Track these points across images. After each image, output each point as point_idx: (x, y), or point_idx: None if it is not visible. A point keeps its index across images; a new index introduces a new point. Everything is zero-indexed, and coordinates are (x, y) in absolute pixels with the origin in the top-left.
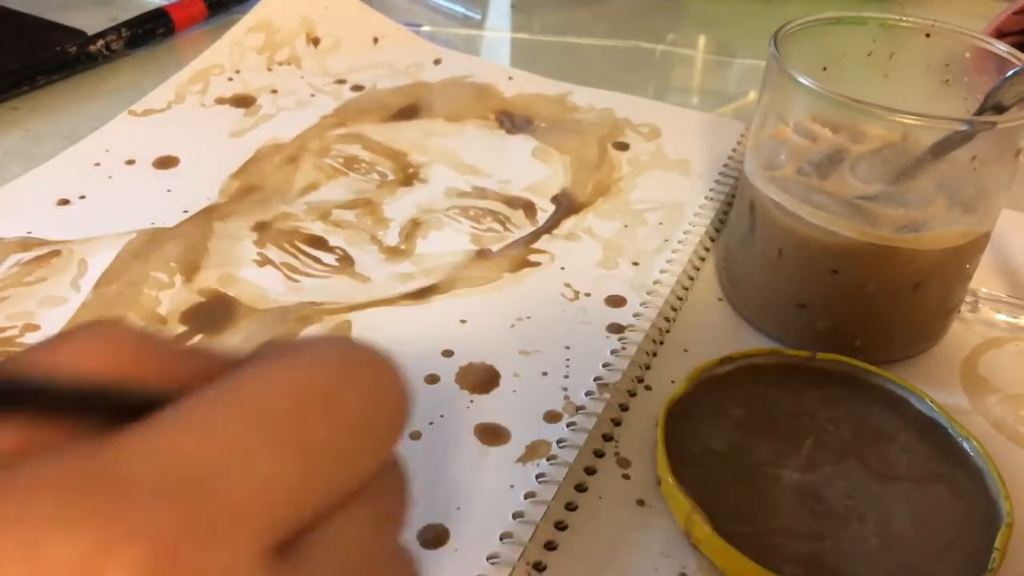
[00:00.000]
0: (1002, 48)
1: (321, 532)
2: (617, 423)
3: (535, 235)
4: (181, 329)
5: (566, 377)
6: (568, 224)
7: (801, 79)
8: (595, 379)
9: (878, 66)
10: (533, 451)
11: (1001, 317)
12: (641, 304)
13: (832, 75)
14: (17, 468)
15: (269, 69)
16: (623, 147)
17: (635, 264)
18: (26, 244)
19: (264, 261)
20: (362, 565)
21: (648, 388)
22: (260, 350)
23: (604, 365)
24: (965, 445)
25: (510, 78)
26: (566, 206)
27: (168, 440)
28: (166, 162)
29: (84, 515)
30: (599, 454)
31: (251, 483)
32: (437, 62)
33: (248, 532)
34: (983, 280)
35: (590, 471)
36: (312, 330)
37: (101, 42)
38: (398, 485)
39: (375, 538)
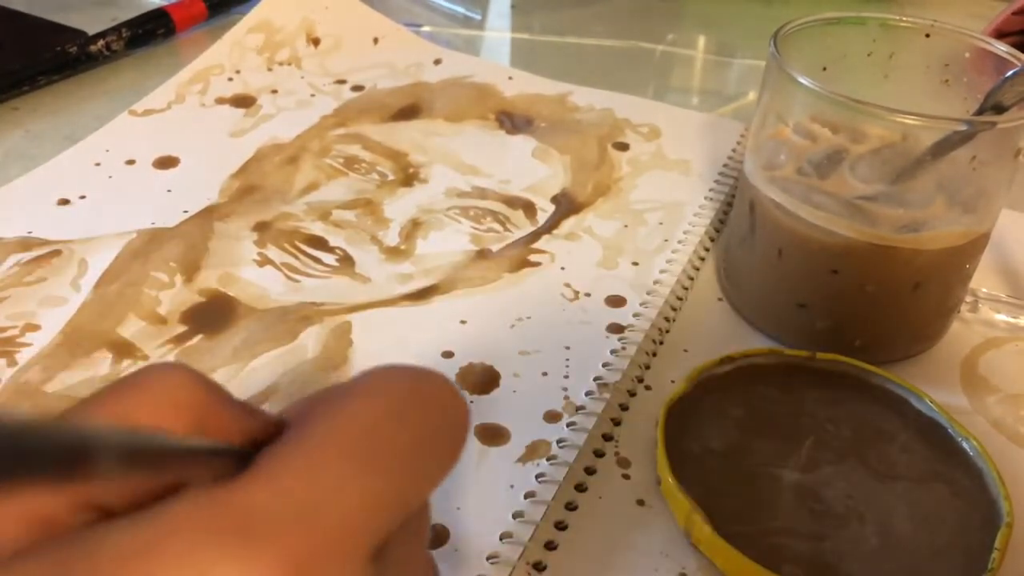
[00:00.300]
0: (1002, 48)
1: (397, 533)
2: (617, 423)
3: (535, 235)
4: (181, 329)
5: (566, 377)
6: (568, 224)
7: (801, 79)
8: (595, 379)
9: (878, 66)
10: (533, 451)
11: (1001, 317)
12: (641, 304)
13: (832, 75)
14: (171, 508)
15: (269, 69)
16: (623, 147)
17: (635, 264)
18: (26, 244)
19: (264, 261)
20: (419, 559)
21: (648, 388)
22: (326, 392)
23: (604, 365)
24: (965, 445)
25: (510, 78)
26: (566, 206)
27: (284, 480)
28: (166, 162)
29: (240, 549)
30: (599, 454)
31: (353, 505)
32: (437, 62)
33: (358, 545)
34: (983, 280)
35: (590, 471)
36: (312, 330)
37: (101, 42)
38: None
39: (422, 538)
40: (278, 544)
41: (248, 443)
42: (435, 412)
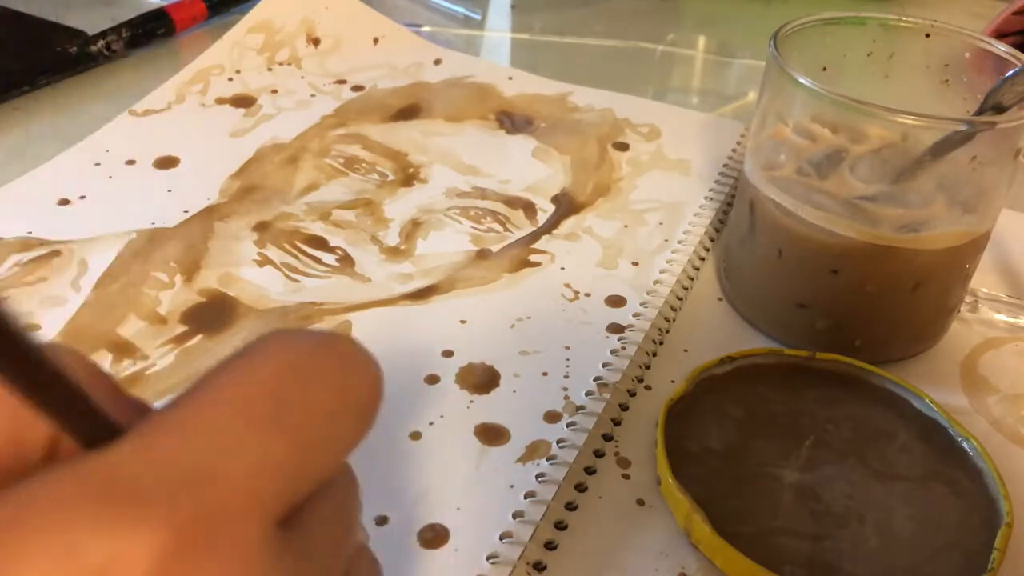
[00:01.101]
0: (1002, 48)
1: (312, 501)
2: (617, 423)
3: (535, 235)
4: (181, 329)
5: (566, 377)
6: (568, 224)
7: (801, 79)
8: (595, 379)
9: (878, 66)
10: (533, 451)
11: (1001, 317)
12: (641, 304)
13: (832, 75)
14: (37, 480)
15: (269, 69)
16: (623, 147)
17: (635, 264)
18: (26, 244)
19: (264, 261)
20: (341, 532)
21: (648, 388)
22: (233, 352)
23: (604, 365)
24: (965, 445)
25: (510, 78)
26: (566, 206)
27: (168, 442)
28: (166, 162)
29: (113, 517)
30: (599, 454)
31: (245, 467)
32: (437, 62)
33: (251, 510)
34: (983, 280)
35: (590, 471)
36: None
37: (102, 42)
38: (354, 489)
39: (344, 511)
40: (160, 510)
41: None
42: (342, 373)
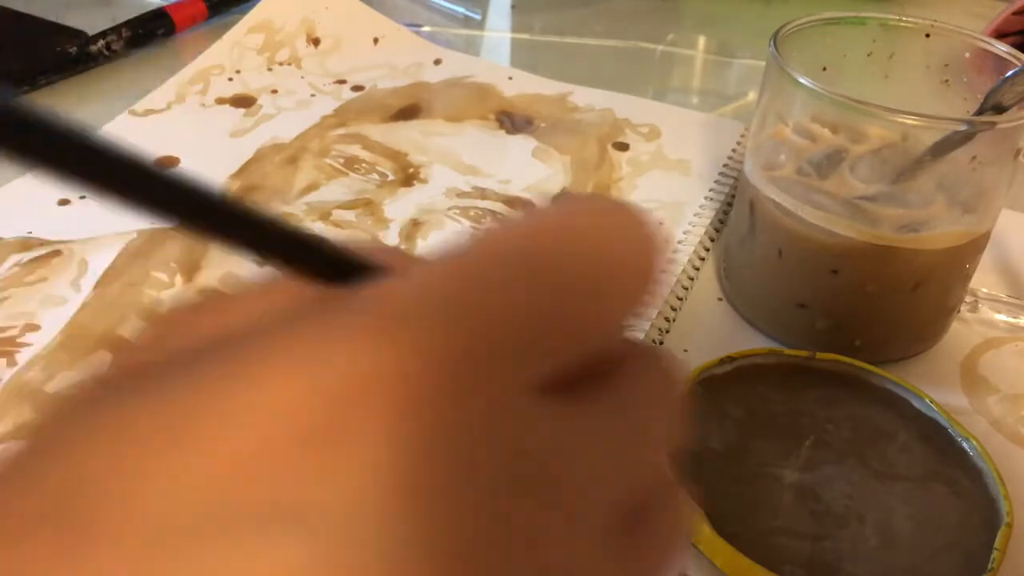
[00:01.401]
0: (1002, 48)
1: (588, 393)
2: None
3: None
4: None
5: None
6: None
7: (801, 79)
8: None
9: (878, 66)
10: None
11: (1001, 317)
12: None
13: (832, 75)
14: (317, 305)
15: (269, 69)
16: (623, 147)
17: None
18: (26, 244)
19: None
20: (642, 422)
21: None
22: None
23: None
24: (965, 445)
25: (510, 78)
26: None
27: (433, 280)
28: (166, 162)
29: (369, 336)
30: None
31: (509, 314)
32: (437, 62)
33: (517, 361)
34: (983, 280)
35: None
36: None
37: (101, 42)
38: (668, 369)
39: (643, 410)
40: (415, 338)
41: None
42: (621, 237)
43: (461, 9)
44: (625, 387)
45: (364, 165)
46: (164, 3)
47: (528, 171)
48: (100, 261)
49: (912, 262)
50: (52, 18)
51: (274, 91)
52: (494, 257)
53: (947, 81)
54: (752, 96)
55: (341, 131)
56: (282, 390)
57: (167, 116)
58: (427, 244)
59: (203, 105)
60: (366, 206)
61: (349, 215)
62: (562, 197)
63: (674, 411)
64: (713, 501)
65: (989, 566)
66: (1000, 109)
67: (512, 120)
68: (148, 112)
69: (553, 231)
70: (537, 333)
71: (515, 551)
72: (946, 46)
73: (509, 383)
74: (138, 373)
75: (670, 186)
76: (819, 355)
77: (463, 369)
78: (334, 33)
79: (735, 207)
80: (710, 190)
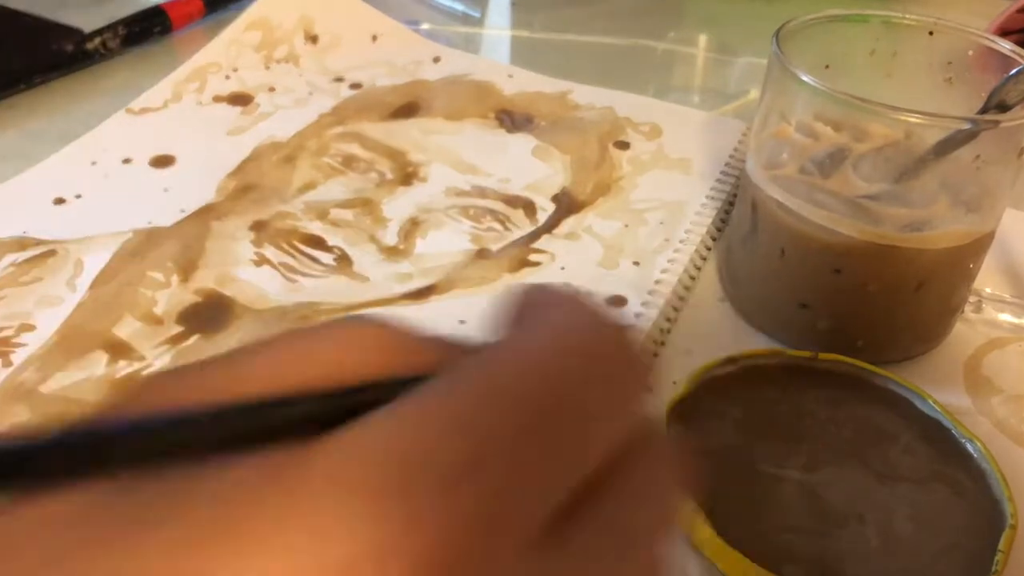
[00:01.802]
0: (1006, 46)
1: (581, 510)
2: None
3: (535, 235)
4: (178, 329)
5: None
6: (568, 224)
7: (803, 77)
8: None
9: (881, 64)
10: None
11: (1005, 317)
12: (642, 304)
13: (834, 73)
14: (298, 457)
15: (267, 67)
16: (624, 146)
17: (636, 264)
18: (22, 244)
19: (262, 261)
20: (626, 540)
21: (649, 389)
22: (507, 320)
23: None
24: (968, 446)
25: (510, 76)
26: (566, 205)
27: (428, 436)
28: (163, 161)
29: (365, 512)
30: None
31: (507, 474)
32: (436, 60)
33: (514, 521)
34: (986, 280)
35: None
36: None
37: (98, 40)
38: (661, 455)
39: (637, 511)
40: (414, 511)
41: None
42: (606, 375)
43: (460, 6)
44: (627, 491)
45: (362, 164)
46: (161, 1)
47: (528, 170)
48: (96, 261)
49: (915, 262)
50: (49, 16)
51: (272, 89)
52: (485, 404)
53: (950, 79)
54: (754, 94)
55: (339, 129)
56: (290, 568)
57: (164, 114)
58: (426, 243)
59: (200, 103)
60: (364, 205)
61: (347, 214)
62: (531, 297)
63: (673, 505)
64: (714, 501)
65: (993, 568)
66: (1004, 107)
67: (512, 118)
68: (145, 110)
69: (539, 366)
70: (539, 481)
71: None
72: (950, 44)
73: (512, 541)
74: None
75: (671, 185)
76: (821, 355)
77: (465, 539)
78: (332, 30)
79: (737, 206)
80: (712, 189)
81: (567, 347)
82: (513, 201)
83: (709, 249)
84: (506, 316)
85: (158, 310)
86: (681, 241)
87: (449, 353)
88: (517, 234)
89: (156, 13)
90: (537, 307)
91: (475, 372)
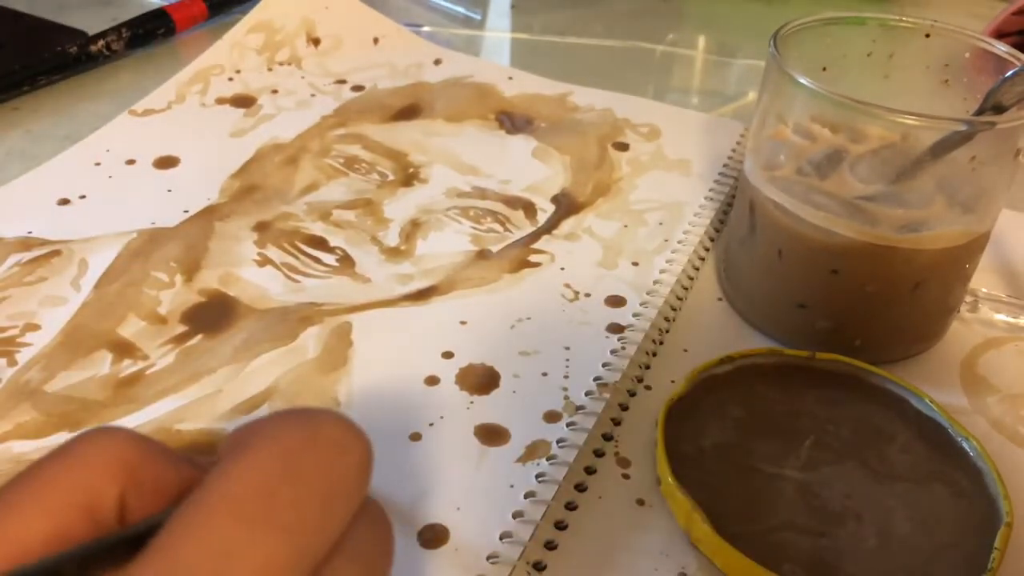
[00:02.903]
0: (1001, 48)
1: (332, 559)
2: (617, 423)
3: (535, 235)
4: (181, 329)
5: (566, 377)
6: (568, 224)
7: (801, 79)
8: (595, 379)
9: (878, 66)
10: (533, 451)
11: (1001, 317)
12: (641, 304)
13: (832, 75)
14: None
15: (269, 69)
16: (623, 147)
17: (635, 264)
18: (26, 244)
19: (264, 261)
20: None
21: (648, 388)
22: (226, 444)
23: (604, 365)
24: (965, 445)
25: (510, 78)
26: (566, 206)
27: (173, 557)
28: (166, 162)
29: None
30: (599, 454)
31: (249, 570)
32: (437, 62)
33: None
34: (983, 280)
35: (590, 471)
36: (312, 331)
37: (102, 42)
38: (380, 529)
39: (361, 567)
40: None
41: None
42: (332, 457)
43: (461, 9)
44: (348, 551)
45: (364, 165)
46: (164, 3)
47: (528, 171)
48: (100, 261)
49: (912, 262)
50: (52, 18)
51: (274, 91)
52: (227, 515)
53: (947, 81)
54: (752, 96)
55: (341, 131)
56: None
57: (167, 116)
58: (427, 244)
59: (203, 105)
60: (366, 206)
61: (349, 215)
62: (267, 427)
63: (387, 560)
64: (713, 501)
65: (989, 566)
66: (1000, 109)
67: (512, 120)
68: (148, 112)
69: (276, 474)
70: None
71: None
72: (946, 46)
73: None
74: None
75: (670, 186)
76: (819, 355)
77: None
78: (334, 33)
79: (735, 207)
80: (710, 190)
81: (288, 439)
82: (513, 202)
83: (707, 249)
84: (224, 451)
85: (162, 310)
86: (680, 241)
87: (188, 471)
88: (517, 235)
89: (159, 15)
90: (251, 434)
91: (205, 495)
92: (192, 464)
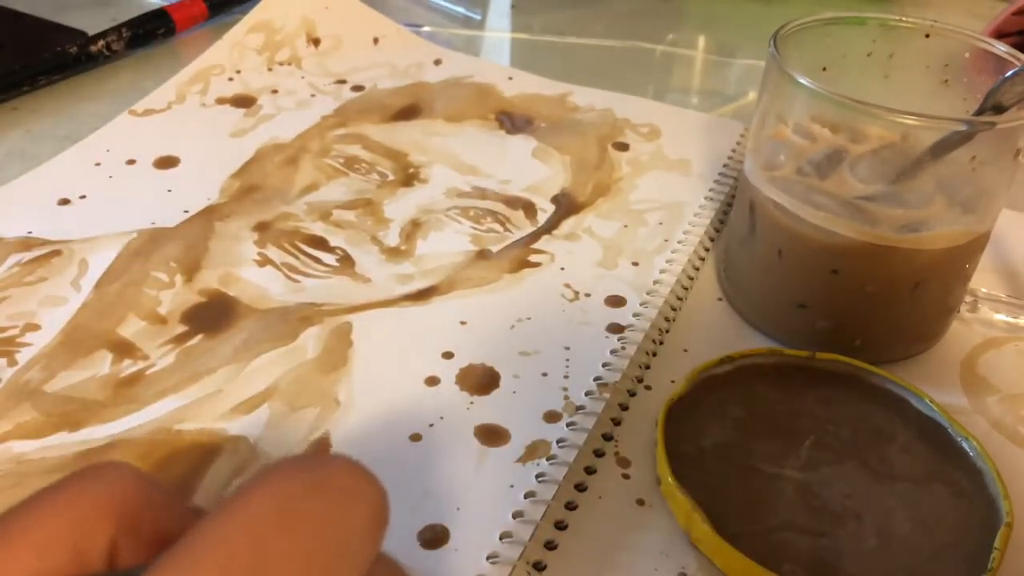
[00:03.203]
0: (1001, 48)
1: None
2: (617, 423)
3: (535, 235)
4: (181, 329)
5: (566, 377)
6: (568, 224)
7: (801, 79)
8: (595, 379)
9: (878, 66)
10: (533, 451)
11: (1000, 317)
12: (641, 304)
13: (832, 75)
14: None
15: (269, 69)
16: (623, 147)
17: (635, 264)
18: (27, 244)
19: (265, 261)
20: None
21: (648, 388)
22: (231, 490)
23: (604, 365)
24: (964, 445)
25: (510, 78)
26: (566, 206)
27: None
28: (166, 162)
29: None
30: (599, 454)
31: None
32: (437, 62)
33: None
34: (983, 280)
35: (590, 471)
36: (312, 331)
37: (102, 42)
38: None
39: None
40: None
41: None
42: (338, 504)
43: (461, 9)
44: None
45: (364, 165)
46: (164, 3)
47: (528, 171)
48: (100, 261)
49: (912, 262)
50: (52, 18)
51: (274, 91)
52: (214, 571)
53: (947, 81)
54: (752, 96)
55: (341, 131)
56: None
57: (167, 116)
58: (427, 244)
59: (203, 105)
60: (366, 206)
61: (349, 215)
62: (270, 476)
63: None
64: (713, 501)
65: (989, 566)
66: (1000, 109)
67: (512, 120)
68: (148, 112)
69: (270, 526)
70: None
71: None
72: (946, 46)
73: None
74: None
75: (670, 186)
76: (819, 355)
77: None
78: (334, 33)
79: (735, 207)
80: (710, 190)
81: (281, 496)
82: (513, 202)
83: (708, 249)
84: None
85: (162, 310)
86: (680, 241)
87: (186, 517)
88: (517, 235)
89: (160, 15)
90: (251, 479)
91: (196, 540)
92: (195, 512)
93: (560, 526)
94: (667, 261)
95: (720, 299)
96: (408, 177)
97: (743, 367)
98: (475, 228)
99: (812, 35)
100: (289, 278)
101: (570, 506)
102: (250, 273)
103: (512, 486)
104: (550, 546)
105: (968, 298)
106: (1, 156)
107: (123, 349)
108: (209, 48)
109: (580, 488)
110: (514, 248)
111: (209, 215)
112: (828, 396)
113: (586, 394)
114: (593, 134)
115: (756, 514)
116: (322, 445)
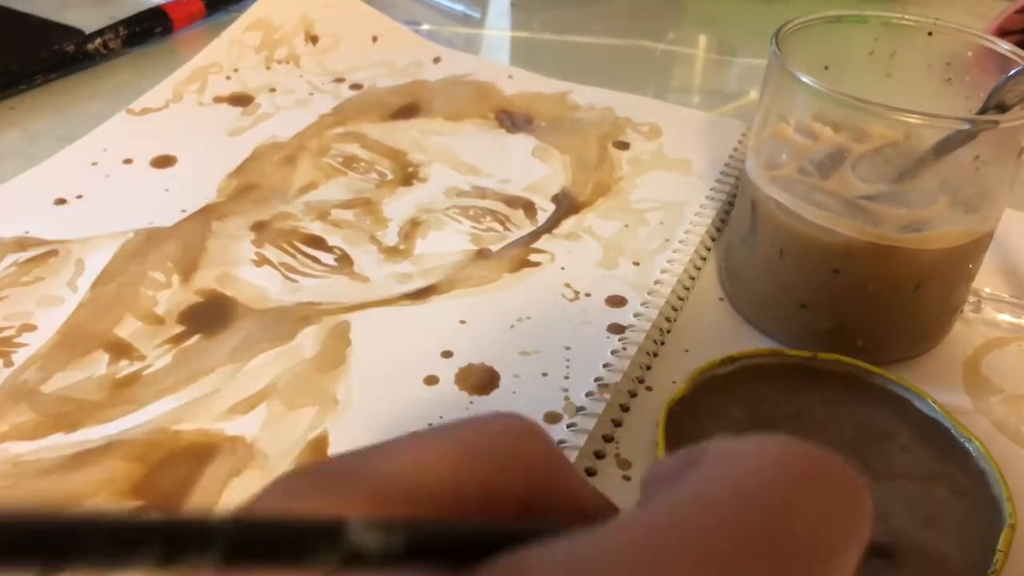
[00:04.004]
0: (1004, 47)
1: None
2: (618, 424)
3: (535, 235)
4: (179, 329)
5: (566, 378)
6: (568, 224)
7: (802, 78)
8: (595, 379)
9: (880, 65)
10: None
11: (1004, 317)
12: (642, 304)
13: (834, 74)
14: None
15: (267, 68)
16: (623, 146)
17: (636, 264)
18: (23, 244)
19: (262, 261)
20: None
21: (649, 388)
22: (672, 465)
23: (604, 365)
24: (967, 446)
25: (510, 77)
26: (566, 206)
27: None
28: (164, 161)
29: None
30: (599, 455)
31: None
32: (437, 61)
33: None
34: (986, 280)
35: (590, 472)
36: (310, 330)
37: (99, 41)
38: None
39: None
40: None
41: (579, 522)
42: (823, 517)
43: (461, 7)
44: None
45: (363, 164)
46: (162, 1)
47: (528, 170)
48: (97, 261)
49: (914, 262)
50: (49, 17)
51: (272, 90)
52: (692, 559)
53: (949, 80)
54: (753, 95)
55: (340, 130)
56: None
57: (165, 115)
58: (426, 243)
59: (201, 104)
60: (365, 205)
61: (348, 214)
62: (776, 448)
63: None
64: None
65: (992, 568)
66: (1003, 108)
67: (512, 119)
68: (145, 111)
69: (748, 520)
70: None
71: None
72: (948, 45)
73: None
74: None
75: (671, 186)
76: (821, 355)
77: None
78: (333, 31)
79: (736, 207)
80: (711, 189)
81: (777, 478)
82: (513, 201)
83: (709, 249)
84: (673, 467)
85: (159, 310)
86: (681, 241)
87: (589, 496)
88: (517, 234)
89: (157, 14)
90: (714, 453)
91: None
92: (597, 493)
93: None
94: (668, 261)
95: (721, 299)
96: (407, 176)
97: (744, 368)
98: (475, 227)
99: (814, 33)
100: (287, 278)
101: None
102: (248, 273)
103: None
104: None
105: (971, 298)
106: None
107: (120, 349)
108: (207, 46)
109: None
110: (514, 247)
111: (206, 215)
112: (830, 397)
113: (586, 395)
114: (593, 133)
115: None
116: (320, 444)
